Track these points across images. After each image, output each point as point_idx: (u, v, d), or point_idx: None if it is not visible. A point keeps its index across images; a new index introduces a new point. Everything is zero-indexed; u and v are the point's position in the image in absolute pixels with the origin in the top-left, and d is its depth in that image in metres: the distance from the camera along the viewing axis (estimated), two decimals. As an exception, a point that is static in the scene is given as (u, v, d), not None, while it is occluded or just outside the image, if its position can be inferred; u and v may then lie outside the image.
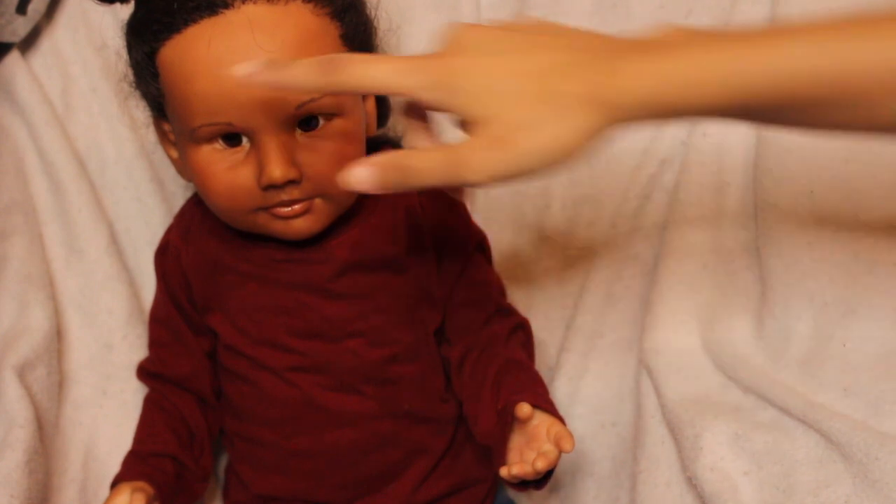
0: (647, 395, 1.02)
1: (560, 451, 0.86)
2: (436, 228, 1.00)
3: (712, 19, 1.10)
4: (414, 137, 0.81)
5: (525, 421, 0.88)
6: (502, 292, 1.03)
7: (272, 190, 0.90)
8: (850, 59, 0.67)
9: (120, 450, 1.01)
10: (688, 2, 1.11)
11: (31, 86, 1.10)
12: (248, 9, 0.87)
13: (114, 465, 1.00)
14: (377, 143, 1.04)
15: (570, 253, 1.14)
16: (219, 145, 0.90)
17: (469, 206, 1.01)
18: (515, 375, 0.94)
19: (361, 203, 0.98)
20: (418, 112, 0.79)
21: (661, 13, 1.12)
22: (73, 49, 1.13)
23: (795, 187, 0.99)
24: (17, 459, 0.94)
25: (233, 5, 0.87)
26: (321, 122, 0.90)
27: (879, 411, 0.90)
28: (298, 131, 0.90)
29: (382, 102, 1.04)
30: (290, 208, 0.92)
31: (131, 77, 0.96)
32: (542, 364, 1.07)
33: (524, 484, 0.89)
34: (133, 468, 0.97)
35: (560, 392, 1.09)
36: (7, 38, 1.09)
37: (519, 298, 1.13)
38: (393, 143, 1.08)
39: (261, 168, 0.89)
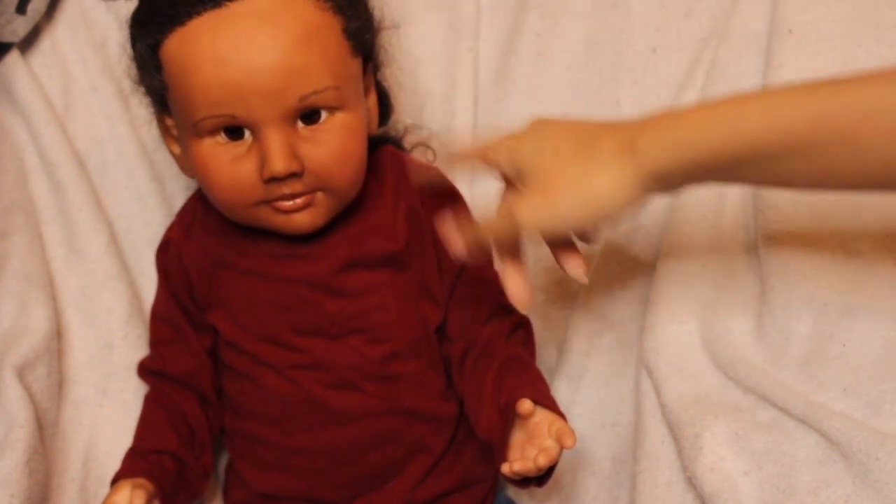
0: (647, 394, 1.02)
1: (562, 448, 0.86)
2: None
3: (712, 19, 1.10)
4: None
5: (526, 417, 0.88)
6: (502, 291, 1.02)
7: (274, 183, 0.90)
8: (837, 102, 0.76)
9: (120, 449, 1.01)
10: (688, 2, 1.11)
11: (31, 86, 1.10)
12: (252, 1, 0.87)
13: (114, 465, 0.99)
14: (378, 142, 1.04)
15: (570, 253, 1.14)
16: (221, 138, 0.91)
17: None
18: (516, 373, 0.94)
19: (363, 200, 0.98)
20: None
21: (661, 13, 1.12)
22: (74, 49, 1.13)
23: (795, 187, 1.00)
24: (17, 459, 0.93)
25: None
26: (324, 115, 0.91)
27: (879, 411, 0.90)
28: (301, 124, 0.91)
29: (384, 101, 1.04)
30: (292, 202, 0.92)
31: (134, 72, 0.96)
32: (542, 364, 1.07)
33: (526, 481, 0.89)
34: (133, 465, 0.97)
35: (560, 392, 1.09)
36: (7, 37, 1.09)
37: (519, 298, 1.13)
38: (394, 142, 1.08)
39: (263, 161, 0.89)
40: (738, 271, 1.03)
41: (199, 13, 0.88)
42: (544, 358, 1.12)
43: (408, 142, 1.12)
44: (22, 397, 0.97)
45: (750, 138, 0.78)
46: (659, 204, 1.09)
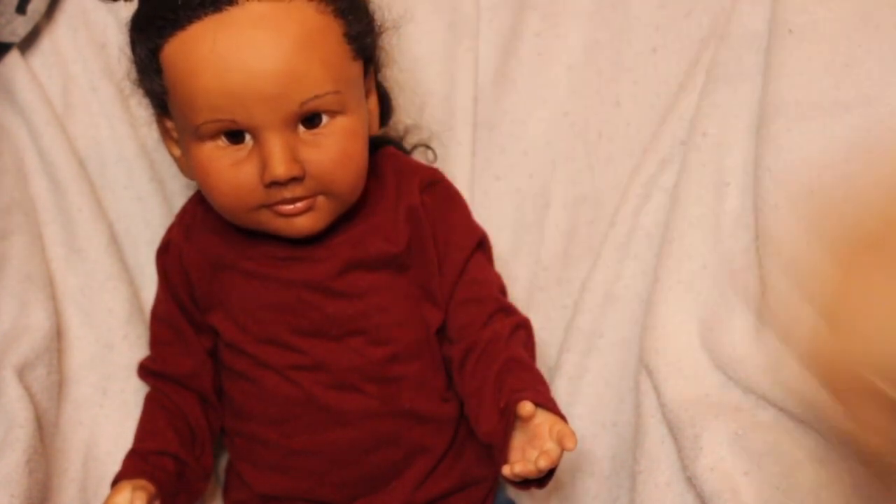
0: (647, 395, 1.02)
1: (563, 450, 0.86)
2: (437, 227, 1.00)
3: (712, 19, 1.10)
4: None
5: (527, 419, 0.88)
6: (503, 291, 1.02)
7: (275, 187, 0.90)
8: None
9: (120, 449, 1.01)
10: (688, 2, 1.11)
11: (31, 86, 1.10)
12: (253, 6, 0.87)
13: (114, 465, 0.99)
14: (379, 143, 1.04)
15: (570, 253, 1.14)
16: (222, 142, 0.91)
17: None
18: (517, 374, 0.94)
19: (363, 202, 0.98)
20: None
21: (661, 13, 1.12)
22: (74, 48, 1.13)
23: (795, 187, 1.00)
24: (17, 459, 0.94)
25: (237, 2, 0.87)
26: (324, 119, 0.91)
27: (879, 411, 0.90)
28: (301, 128, 0.91)
29: (385, 103, 1.04)
30: (292, 206, 0.92)
31: (134, 74, 0.96)
32: (542, 364, 1.07)
33: (526, 483, 0.89)
34: (134, 466, 0.97)
35: (560, 392, 1.09)
36: (7, 38, 1.09)
37: (519, 298, 1.13)
38: (395, 143, 1.08)
39: (264, 165, 0.89)
40: (738, 271, 1.03)
41: (199, 18, 0.87)
42: (544, 358, 1.12)
43: (408, 142, 1.12)
44: (22, 397, 0.97)
45: None
46: (659, 204, 1.09)
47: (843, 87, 1.01)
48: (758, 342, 1.00)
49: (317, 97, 0.89)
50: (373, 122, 0.99)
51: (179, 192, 1.13)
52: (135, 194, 1.13)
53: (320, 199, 0.93)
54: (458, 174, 1.13)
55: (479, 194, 1.15)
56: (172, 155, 0.99)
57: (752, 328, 1.01)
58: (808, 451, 0.91)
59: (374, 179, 1.00)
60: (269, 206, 0.92)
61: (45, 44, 1.13)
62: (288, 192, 0.91)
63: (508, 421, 0.89)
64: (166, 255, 1.03)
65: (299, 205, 0.92)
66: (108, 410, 1.06)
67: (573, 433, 0.86)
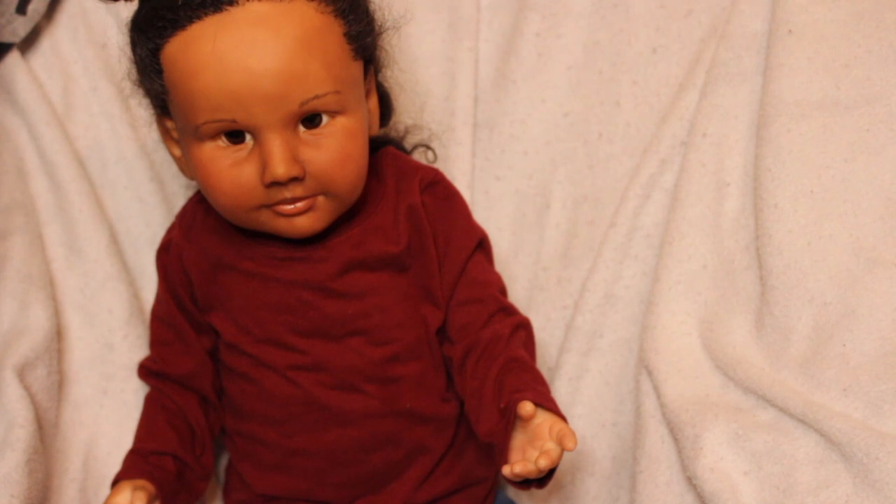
0: (647, 395, 1.02)
1: (563, 450, 0.86)
2: (437, 227, 1.00)
3: (712, 19, 1.10)
4: None
5: (527, 419, 0.88)
6: (503, 291, 1.02)
7: (275, 187, 0.90)
8: None
9: (120, 450, 1.01)
10: (688, 2, 1.11)
11: (31, 86, 1.10)
12: (253, 6, 0.87)
13: (114, 465, 1.00)
14: (379, 143, 1.04)
15: (570, 253, 1.14)
16: (222, 142, 0.91)
17: None
18: (517, 374, 0.94)
19: (364, 202, 0.98)
20: None
21: (661, 13, 1.12)
22: (74, 49, 1.13)
23: (795, 187, 1.00)
24: (17, 459, 0.94)
25: (237, 2, 0.87)
26: (325, 119, 0.91)
27: (879, 411, 0.90)
28: (302, 128, 0.91)
29: (385, 103, 1.04)
30: (293, 206, 0.92)
31: (134, 74, 0.96)
32: (542, 364, 1.07)
33: (527, 482, 0.89)
34: (134, 466, 0.97)
35: (560, 392, 1.09)
36: (7, 38, 1.09)
37: (519, 298, 1.13)
38: (395, 143, 1.08)
39: (264, 165, 0.89)
40: (738, 271, 1.03)
41: (199, 18, 0.87)
42: (544, 358, 1.12)
43: (408, 142, 1.12)
44: (22, 397, 0.97)
45: None
46: (659, 204, 1.09)
47: (843, 87, 1.01)
48: (758, 342, 1.00)
49: (317, 97, 0.89)
50: (373, 122, 0.99)
51: (179, 192, 1.13)
52: (135, 194, 1.13)
53: (320, 199, 0.93)
54: (458, 174, 1.13)
55: (479, 194, 1.15)
56: (172, 155, 0.99)
57: (752, 328, 1.01)
58: (808, 451, 0.91)
59: (374, 179, 1.00)
60: (269, 206, 0.92)
61: (45, 44, 1.13)
62: (288, 192, 0.91)
63: (509, 421, 0.89)
64: (166, 255, 1.03)
65: (299, 205, 0.92)
66: (108, 410, 1.06)
67: (573, 433, 0.86)
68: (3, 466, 0.93)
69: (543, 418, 0.88)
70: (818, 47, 1.02)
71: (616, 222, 1.10)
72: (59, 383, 1.05)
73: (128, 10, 0.95)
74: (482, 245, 1.03)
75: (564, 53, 1.15)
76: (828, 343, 0.95)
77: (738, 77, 1.06)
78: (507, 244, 1.15)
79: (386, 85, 1.05)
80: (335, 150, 0.91)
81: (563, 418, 0.89)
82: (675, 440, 0.98)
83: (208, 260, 1.00)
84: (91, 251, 1.08)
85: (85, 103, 1.13)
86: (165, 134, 0.99)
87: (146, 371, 1.04)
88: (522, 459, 0.87)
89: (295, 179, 0.90)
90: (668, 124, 1.09)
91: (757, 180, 1.02)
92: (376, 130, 1.00)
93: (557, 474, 0.90)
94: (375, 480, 1.00)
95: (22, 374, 0.99)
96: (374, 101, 0.99)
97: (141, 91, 0.97)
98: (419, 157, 1.12)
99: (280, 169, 0.89)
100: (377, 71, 1.02)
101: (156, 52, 0.91)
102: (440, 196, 1.01)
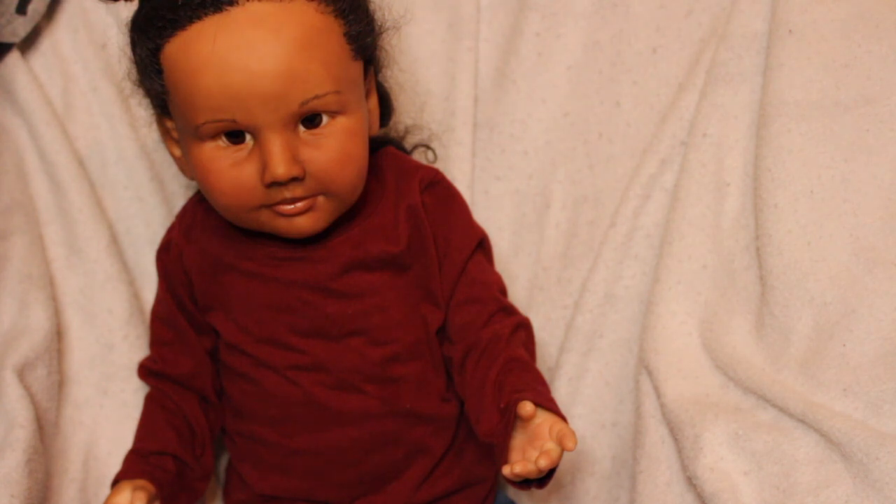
0: (647, 395, 1.02)
1: (563, 450, 0.86)
2: (437, 227, 1.00)
3: (712, 19, 1.10)
4: None
5: (528, 419, 0.88)
6: (503, 291, 1.02)
7: (275, 187, 0.90)
8: None
9: (120, 450, 1.01)
10: (688, 2, 1.11)
11: (31, 86, 1.10)
12: (253, 6, 0.87)
13: (114, 465, 1.00)
14: (379, 143, 1.04)
15: (570, 253, 1.14)
16: (222, 142, 0.91)
17: None
18: (517, 374, 0.94)
19: (364, 202, 0.98)
20: None
21: (661, 13, 1.12)
22: (74, 49, 1.13)
23: (795, 187, 1.00)
24: (17, 459, 0.94)
25: (238, 2, 0.87)
26: (325, 119, 0.91)
27: (879, 411, 0.90)
28: (302, 128, 0.91)
29: (385, 103, 1.04)
30: (293, 206, 0.92)
31: (134, 74, 0.96)
32: (542, 364, 1.07)
33: (527, 482, 0.89)
34: (134, 467, 0.97)
35: (560, 392, 1.09)
36: (7, 38, 1.09)
37: (519, 298, 1.13)
38: (395, 143, 1.08)
39: (264, 165, 0.89)
40: (738, 271, 1.03)
41: (199, 18, 0.88)
42: (544, 358, 1.12)
43: (408, 142, 1.12)
44: (22, 397, 0.97)
45: None
46: (659, 204, 1.09)
47: (843, 87, 1.01)
48: (758, 342, 1.00)
49: (317, 97, 0.89)
50: (373, 122, 0.99)
51: (179, 192, 1.13)
52: (135, 194, 1.13)
53: (320, 199, 0.93)
54: (458, 174, 1.13)
55: (479, 194, 1.15)
56: (172, 155, 1.00)
57: (752, 328, 1.01)
58: (808, 451, 0.91)
59: (374, 179, 1.00)
60: (269, 206, 0.92)
61: (45, 44, 1.13)
62: (288, 192, 0.91)
63: (509, 421, 0.89)
64: (167, 254, 1.03)
65: (299, 205, 0.92)
66: (109, 411, 1.07)
67: (573, 433, 0.86)
68: (3, 466, 0.93)
69: (543, 418, 0.88)
70: (818, 47, 1.02)
71: (616, 222, 1.10)
72: (59, 383, 1.05)
73: (128, 10, 0.95)
74: (482, 245, 1.03)
75: (564, 53, 1.15)
76: (828, 343, 0.95)
77: (738, 77, 1.06)
78: (507, 244, 1.15)
79: (386, 85, 1.05)
80: (335, 150, 0.91)
81: (564, 418, 0.89)
82: (675, 440, 0.98)
83: (208, 260, 1.00)
84: (91, 251, 1.08)
85: (85, 103, 1.13)
86: (165, 134, 0.99)
87: (146, 371, 1.04)
88: (522, 459, 0.87)
89: (295, 179, 0.90)
90: (668, 124, 1.09)
91: (757, 180, 1.02)
92: (376, 130, 1.00)
93: (557, 474, 0.90)
94: (375, 480, 1.00)
95: (22, 374, 0.99)
96: (374, 101, 0.99)
97: (141, 91, 0.98)
98: (419, 157, 1.12)
99: (280, 169, 0.89)
100: (377, 71, 1.02)
101: (156, 52, 0.91)
102: (440, 196, 1.01)
